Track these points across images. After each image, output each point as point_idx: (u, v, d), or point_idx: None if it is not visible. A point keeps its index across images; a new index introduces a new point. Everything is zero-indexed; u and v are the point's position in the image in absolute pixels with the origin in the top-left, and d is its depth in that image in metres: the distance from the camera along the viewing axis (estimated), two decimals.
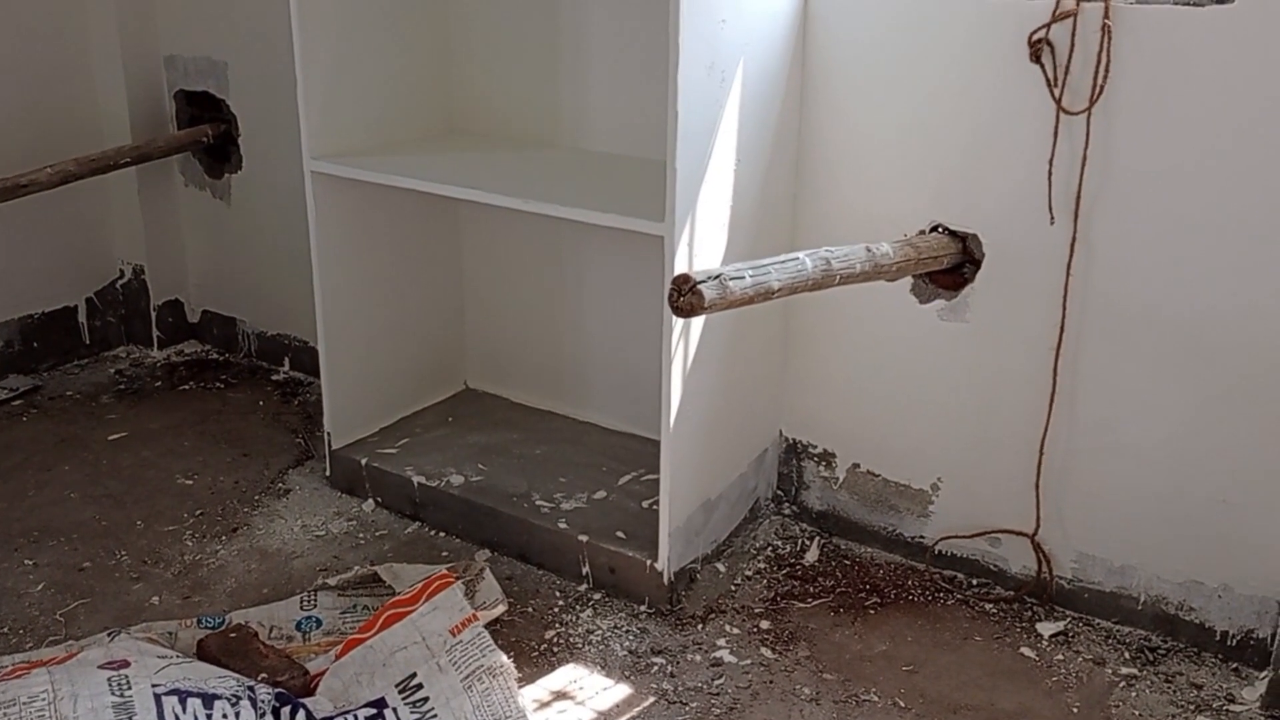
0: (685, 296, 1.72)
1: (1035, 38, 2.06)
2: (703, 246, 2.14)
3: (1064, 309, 2.14)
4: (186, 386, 3.26)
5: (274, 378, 3.31)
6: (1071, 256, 2.11)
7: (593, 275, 2.73)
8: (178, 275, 3.46)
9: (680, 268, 2.09)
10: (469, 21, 2.71)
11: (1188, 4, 1.94)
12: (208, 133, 3.24)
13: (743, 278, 1.79)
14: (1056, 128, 2.07)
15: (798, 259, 1.90)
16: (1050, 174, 2.09)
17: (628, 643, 2.19)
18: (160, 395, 3.20)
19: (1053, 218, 2.11)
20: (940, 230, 2.25)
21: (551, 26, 2.60)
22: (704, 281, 1.73)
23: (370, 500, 2.64)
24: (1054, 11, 2.02)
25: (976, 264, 2.24)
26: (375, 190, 2.56)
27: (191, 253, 3.45)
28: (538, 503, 2.47)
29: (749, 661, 2.14)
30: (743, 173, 2.21)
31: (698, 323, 2.16)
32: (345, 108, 2.56)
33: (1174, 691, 2.07)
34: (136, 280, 3.41)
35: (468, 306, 2.94)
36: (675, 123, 2.00)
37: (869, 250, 2.03)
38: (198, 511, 2.61)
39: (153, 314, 3.43)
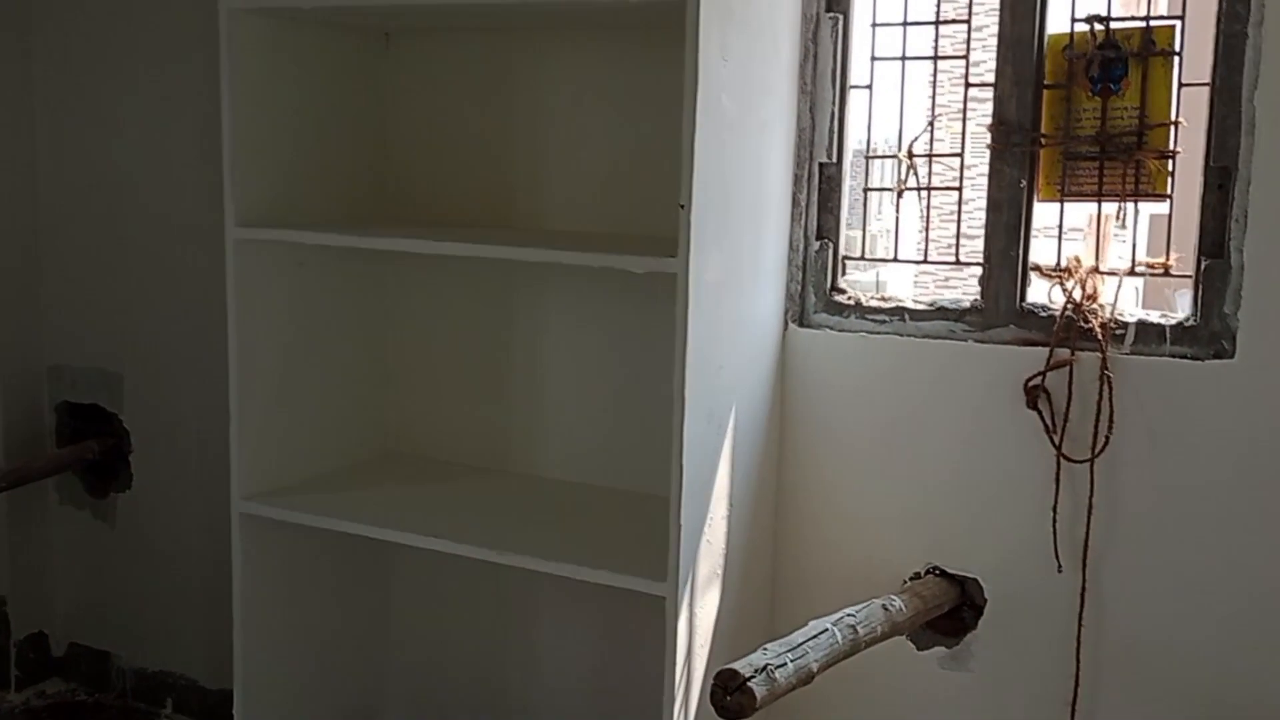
0: (734, 696, 1.54)
1: (1031, 384, 2.04)
2: (700, 604, 1.97)
3: (1077, 661, 2.04)
4: None
5: None
6: (1083, 606, 2.03)
7: (544, 631, 2.50)
8: (43, 605, 3.06)
9: (682, 631, 1.91)
10: (411, 340, 2.55)
11: (1187, 357, 1.96)
12: (94, 449, 2.93)
13: (785, 664, 1.63)
14: (1058, 475, 2.03)
15: (826, 629, 1.76)
16: (1055, 522, 2.03)
17: None
18: None
19: (1060, 566, 2.04)
20: (937, 573, 2.15)
21: (501, 346, 2.47)
22: (752, 678, 1.55)
23: None
24: (1049, 359, 2.02)
25: (977, 610, 2.14)
26: (307, 530, 2.31)
27: (62, 579, 3.06)
28: None
29: None
30: (733, 519, 2.08)
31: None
32: (278, 441, 2.33)
33: None
34: None
35: (395, 653, 2.66)
36: (680, 476, 1.87)
37: (885, 609, 1.92)
38: None
39: (12, 650, 3.00)
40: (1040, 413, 2.03)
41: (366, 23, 2.37)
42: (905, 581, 2.15)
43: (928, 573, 2.16)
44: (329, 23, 2.30)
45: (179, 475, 2.85)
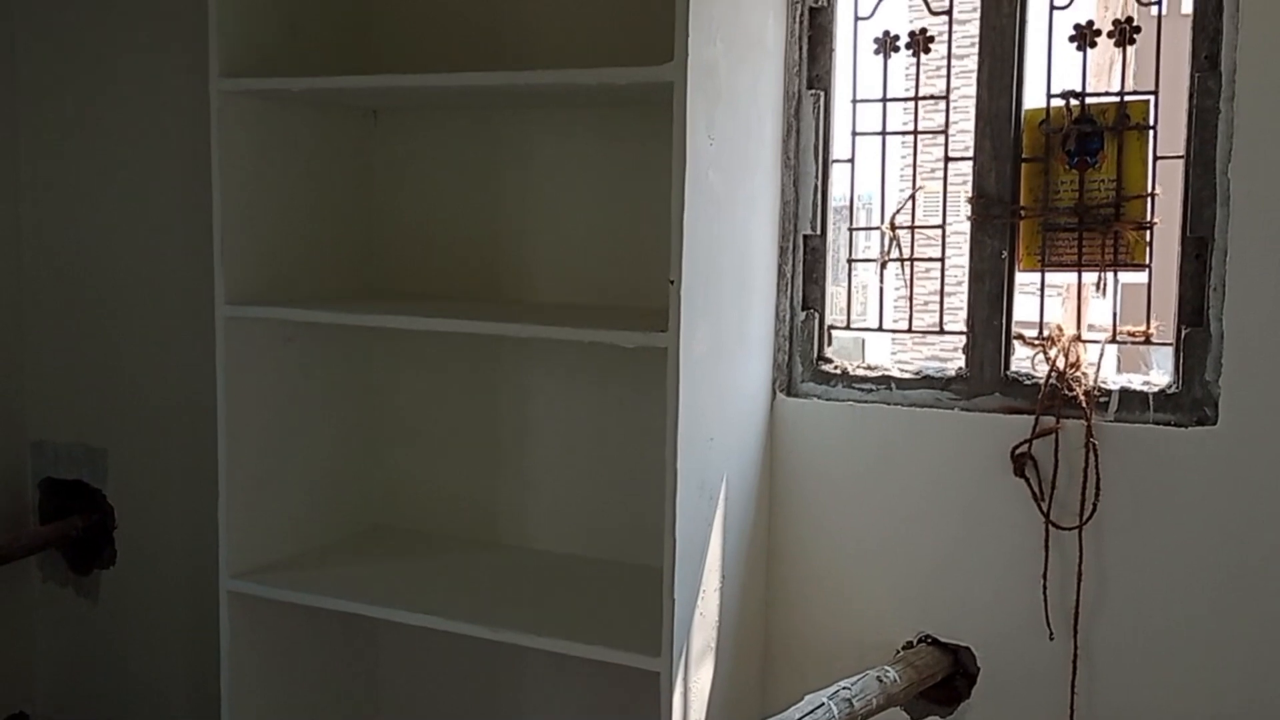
0: None
1: (1018, 452, 2.06)
2: (694, 679, 1.97)
3: None
4: None
5: None
6: (1075, 673, 2.04)
7: (535, 705, 2.48)
8: (25, 684, 3.01)
9: (677, 707, 1.90)
10: (399, 413, 2.55)
11: (1171, 424, 1.99)
12: (77, 525, 2.90)
13: None
14: (1047, 542, 2.04)
15: (822, 704, 1.76)
16: (1045, 589, 2.04)
17: None
18: None
19: (1051, 633, 2.05)
20: (929, 642, 2.15)
21: (489, 418, 2.48)
22: None
23: None
24: (1034, 427, 2.04)
25: (970, 678, 2.14)
26: (295, 607, 2.29)
27: (44, 657, 3.02)
28: None
29: None
30: (726, 591, 2.08)
31: None
32: (267, 517, 2.32)
33: None
34: None
35: None
36: (673, 549, 1.88)
37: (880, 680, 1.92)
38: None
39: None
40: (1028, 480, 2.05)
41: (355, 102, 2.40)
42: (898, 651, 2.15)
43: (920, 641, 2.16)
44: (317, 103, 2.33)
45: (163, 551, 2.83)
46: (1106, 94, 2.05)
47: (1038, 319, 2.09)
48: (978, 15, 2.12)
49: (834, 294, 2.30)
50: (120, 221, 2.79)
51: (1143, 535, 2.00)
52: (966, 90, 2.17)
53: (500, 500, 2.49)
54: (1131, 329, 2.07)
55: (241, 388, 2.24)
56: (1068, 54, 2.07)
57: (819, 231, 2.26)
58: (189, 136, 2.61)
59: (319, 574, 2.30)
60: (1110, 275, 2.08)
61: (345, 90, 2.19)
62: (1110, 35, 2.02)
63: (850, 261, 2.31)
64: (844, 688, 1.83)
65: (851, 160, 2.27)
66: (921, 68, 2.32)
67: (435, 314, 2.13)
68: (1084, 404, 2.00)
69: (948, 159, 2.20)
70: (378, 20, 2.47)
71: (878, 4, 2.22)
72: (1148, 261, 2.04)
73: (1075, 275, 2.10)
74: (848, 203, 2.36)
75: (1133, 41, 2.01)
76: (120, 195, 2.79)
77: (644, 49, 2.16)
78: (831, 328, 2.30)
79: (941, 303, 2.15)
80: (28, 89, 2.87)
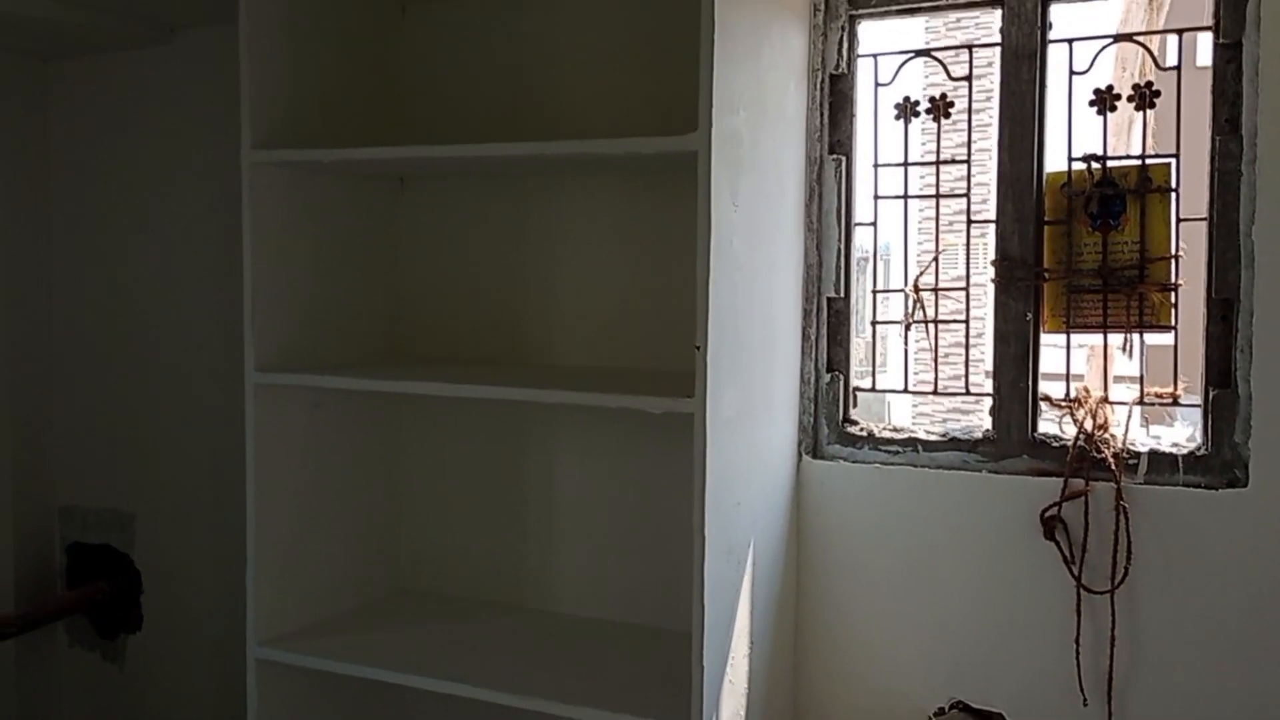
0: None
1: (1048, 515, 2.05)
2: None
3: None
4: None
5: None
6: None
7: None
8: None
9: None
10: (426, 477, 2.56)
11: (1201, 486, 1.98)
12: (104, 590, 2.92)
13: None
14: (1079, 606, 2.03)
15: None
16: (1078, 654, 2.02)
17: None
18: None
19: (1085, 699, 2.03)
20: (961, 708, 2.13)
21: (515, 482, 2.48)
22: None
23: None
24: (1064, 489, 2.03)
25: None
26: (323, 674, 2.28)
27: None
28: None
29: None
30: (755, 657, 2.07)
31: None
32: (294, 583, 2.33)
33: None
34: None
35: None
36: (701, 616, 1.87)
37: None
38: None
39: None
40: (1058, 543, 2.04)
41: (383, 171, 2.43)
42: (929, 718, 2.13)
43: (952, 708, 2.14)
44: (346, 172, 2.37)
45: (189, 616, 2.83)
46: (1127, 157, 2.06)
47: (1064, 379, 2.09)
48: (996, 79, 2.14)
49: (858, 354, 2.31)
50: (150, 287, 2.83)
51: (1175, 599, 1.99)
52: (984, 144, 2.18)
53: (526, 564, 2.48)
54: (1159, 390, 2.06)
55: (270, 453, 2.26)
56: (1087, 116, 2.09)
57: (842, 294, 2.27)
58: (218, 205, 2.66)
59: (346, 640, 2.29)
60: (1136, 336, 2.08)
61: (375, 160, 2.23)
62: (1130, 99, 2.04)
63: (874, 323, 2.31)
64: None
65: (874, 223, 2.29)
66: (941, 130, 2.34)
67: (461, 380, 2.14)
68: (1113, 466, 1.99)
69: (969, 221, 2.22)
70: (406, 91, 2.51)
71: (897, 70, 2.24)
72: (1173, 323, 2.04)
73: (1100, 336, 2.10)
74: (870, 264, 2.37)
75: (1152, 106, 2.03)
76: (149, 261, 2.83)
77: (665, 115, 2.20)
78: (856, 389, 2.30)
79: (966, 365, 2.16)
80: (61, 157, 2.93)
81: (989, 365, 2.16)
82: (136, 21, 2.62)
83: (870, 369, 2.35)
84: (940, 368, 2.21)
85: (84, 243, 2.92)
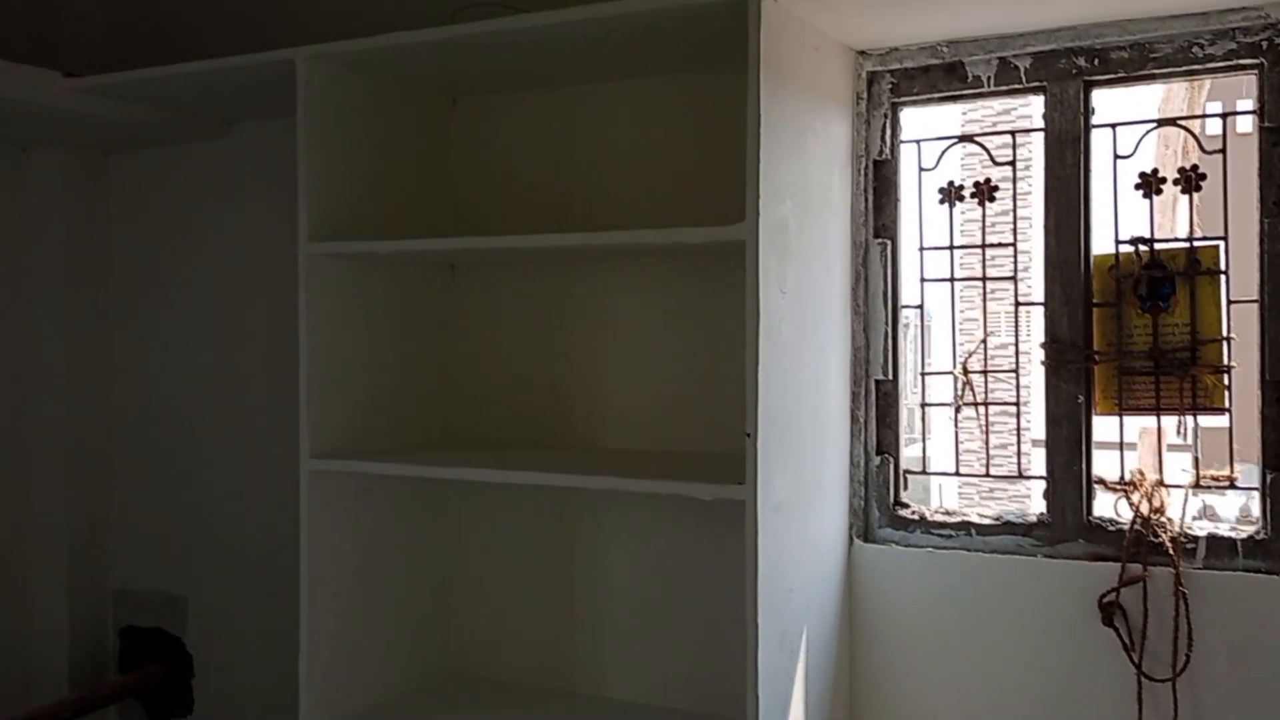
0: None
1: (1106, 600, 2.02)
2: None
3: None
4: None
5: None
6: None
7: None
8: None
9: None
10: (475, 562, 2.57)
11: (1261, 571, 1.95)
12: (156, 674, 2.93)
13: None
14: (1140, 694, 1.99)
15: None
16: None
17: None
18: None
19: None
20: None
21: (565, 567, 2.48)
22: None
23: None
24: (1121, 575, 2.01)
25: None
26: None
27: None
28: None
29: None
30: None
31: None
32: (346, 668, 2.33)
33: None
34: None
35: None
36: (755, 705, 1.85)
37: None
38: None
39: None
40: (1117, 630, 2.01)
41: (435, 260, 2.48)
42: None
43: None
44: (399, 261, 2.42)
45: (240, 701, 2.84)
46: (1175, 240, 2.06)
47: (1118, 464, 2.08)
48: (1037, 160, 2.16)
49: (907, 438, 2.31)
50: (205, 375, 2.89)
51: (1238, 686, 1.94)
52: (1026, 226, 2.19)
53: (577, 649, 2.48)
54: (1214, 473, 2.04)
55: (323, 539, 2.28)
56: (1132, 198, 2.09)
57: (890, 376, 2.28)
58: (273, 293, 2.72)
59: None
60: (1189, 419, 2.06)
61: (428, 251, 2.27)
62: (1176, 183, 2.04)
63: (924, 406, 2.31)
64: None
65: (921, 306, 2.30)
66: (986, 213, 2.35)
67: (509, 465, 2.16)
68: (1171, 551, 1.96)
69: (1017, 304, 2.22)
70: (457, 180, 2.57)
71: (941, 155, 2.27)
72: (1227, 405, 2.02)
73: (1153, 419, 2.09)
74: (919, 348, 2.38)
75: (1198, 189, 2.04)
76: (205, 349, 2.88)
77: (711, 202, 2.23)
78: (907, 472, 2.29)
79: (1019, 447, 2.15)
80: (120, 247, 3.01)
81: (1030, 439, 2.15)
82: (195, 117, 2.71)
83: (922, 454, 2.34)
84: (989, 454, 2.20)
85: (142, 331, 2.98)
